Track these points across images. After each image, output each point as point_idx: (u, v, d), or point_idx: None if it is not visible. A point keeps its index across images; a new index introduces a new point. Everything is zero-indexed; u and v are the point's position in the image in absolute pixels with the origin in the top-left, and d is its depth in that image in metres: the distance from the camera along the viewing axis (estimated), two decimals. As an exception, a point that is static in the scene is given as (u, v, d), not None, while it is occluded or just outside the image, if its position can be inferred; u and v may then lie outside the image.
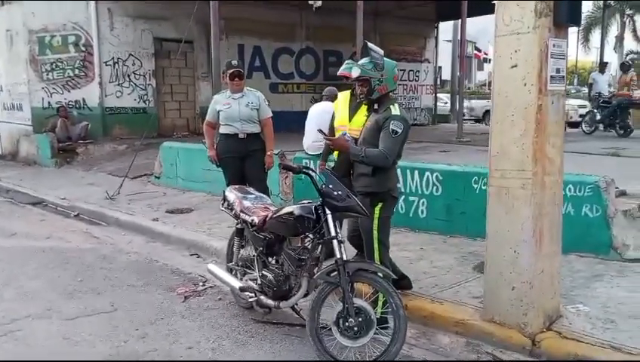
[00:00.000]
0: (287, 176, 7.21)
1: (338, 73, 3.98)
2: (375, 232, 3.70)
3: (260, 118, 5.36)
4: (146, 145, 10.86)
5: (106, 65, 13.33)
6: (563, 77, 3.45)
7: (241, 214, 3.83)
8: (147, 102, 13.97)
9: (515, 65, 3.34)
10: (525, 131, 3.32)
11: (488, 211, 3.58)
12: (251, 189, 4.22)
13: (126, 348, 3.48)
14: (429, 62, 19.61)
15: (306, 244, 3.41)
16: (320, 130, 4.19)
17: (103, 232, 6.81)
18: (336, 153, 4.63)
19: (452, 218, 5.59)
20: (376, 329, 3.14)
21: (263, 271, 3.64)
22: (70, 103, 12.94)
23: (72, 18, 12.90)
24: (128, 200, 8.19)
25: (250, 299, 3.67)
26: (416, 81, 19.10)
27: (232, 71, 5.18)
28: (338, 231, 3.28)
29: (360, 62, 3.72)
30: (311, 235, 3.35)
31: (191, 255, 5.72)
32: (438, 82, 22.44)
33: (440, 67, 22.77)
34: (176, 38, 13.52)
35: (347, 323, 3.10)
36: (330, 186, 3.26)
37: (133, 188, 9.14)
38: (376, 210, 3.68)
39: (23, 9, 12.55)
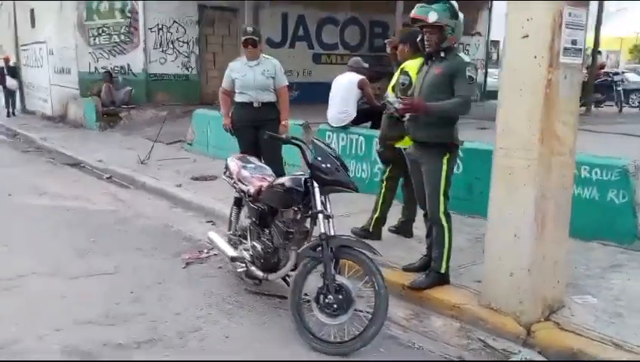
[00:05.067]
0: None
1: (411, 15, 3.58)
2: (442, 185, 3.65)
3: (275, 87, 5.25)
4: (187, 113, 11.02)
5: (151, 31, 13.52)
6: (580, 49, 3.16)
7: (238, 183, 3.79)
8: (190, 69, 14.13)
9: (526, 36, 3.10)
10: (533, 107, 3.09)
11: (491, 191, 3.40)
12: (253, 159, 4.15)
13: (117, 309, 3.54)
14: (481, 36, 18.85)
15: (296, 217, 3.33)
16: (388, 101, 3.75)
17: (129, 195, 6.97)
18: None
19: (472, 197, 5.35)
20: (356, 309, 3.05)
21: (253, 242, 3.60)
22: (115, 68, 13.22)
23: (119, -16, 13.11)
24: (158, 166, 8.33)
25: (239, 270, 3.65)
26: (466, 54, 18.35)
27: (245, 38, 5.08)
28: (327, 205, 3.18)
29: (434, 7, 3.49)
30: (299, 208, 3.26)
31: (207, 222, 5.75)
32: (495, 57, 21.44)
33: (497, 41, 21.74)
34: (220, 6, 13.53)
35: (327, 300, 3.02)
36: (319, 159, 3.15)
37: (166, 153, 9.31)
38: (444, 160, 3.62)
39: (72, -26, 12.84)
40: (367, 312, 3.10)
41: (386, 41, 5.66)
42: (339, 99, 6.54)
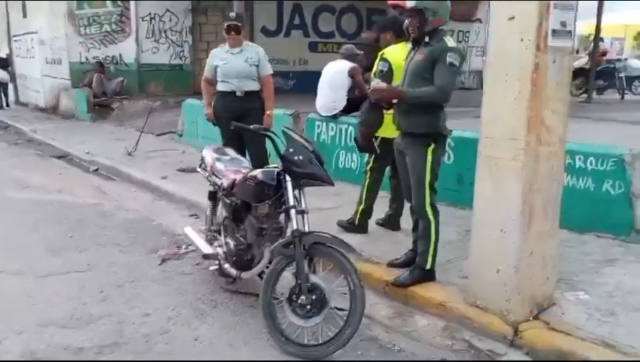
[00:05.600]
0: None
1: (389, 2, 3.59)
2: (428, 176, 3.47)
3: (259, 75, 5.04)
4: (179, 103, 10.77)
5: (143, 20, 13.27)
6: (570, 32, 2.95)
7: (212, 176, 3.60)
8: (183, 59, 13.89)
9: (513, 17, 2.89)
10: (520, 94, 2.89)
11: (476, 184, 3.21)
12: (229, 150, 3.96)
13: (84, 310, 3.36)
14: (481, 22, 18.50)
15: (270, 212, 3.15)
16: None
17: (113, 188, 6.80)
18: None
19: (462, 188, 5.15)
20: (331, 309, 2.87)
21: (226, 239, 3.41)
22: (107, 58, 12.98)
23: (109, -28, 12.85)
24: (146, 157, 8.15)
25: (212, 268, 3.47)
26: (465, 42, 18.08)
27: (228, 24, 4.87)
28: (301, 199, 2.99)
29: None
30: (271, 202, 3.07)
31: (190, 215, 5.58)
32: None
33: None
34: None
35: (299, 301, 2.83)
36: (291, 150, 2.95)
37: (156, 145, 9.14)
38: (429, 151, 3.44)
39: (61, -37, 12.56)
40: (346, 310, 2.92)
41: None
42: (328, 88, 6.33)
